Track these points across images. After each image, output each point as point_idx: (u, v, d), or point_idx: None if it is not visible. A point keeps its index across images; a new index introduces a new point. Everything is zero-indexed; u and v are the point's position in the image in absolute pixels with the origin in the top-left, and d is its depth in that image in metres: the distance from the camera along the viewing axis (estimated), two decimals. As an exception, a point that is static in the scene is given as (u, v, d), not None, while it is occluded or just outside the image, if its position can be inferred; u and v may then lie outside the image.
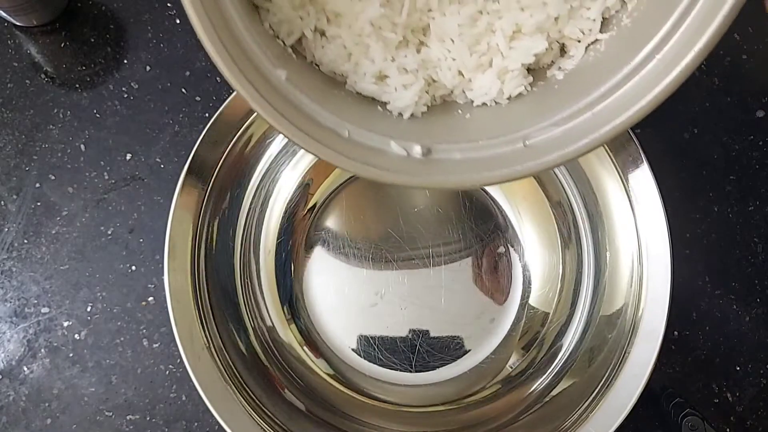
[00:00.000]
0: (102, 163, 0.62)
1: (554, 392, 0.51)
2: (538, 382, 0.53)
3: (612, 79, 0.36)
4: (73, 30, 0.64)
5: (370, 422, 0.53)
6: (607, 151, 0.51)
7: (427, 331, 0.57)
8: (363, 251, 0.59)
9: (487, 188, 0.59)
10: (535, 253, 0.58)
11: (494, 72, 0.39)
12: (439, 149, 0.37)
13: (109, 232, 0.60)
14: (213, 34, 0.32)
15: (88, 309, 0.58)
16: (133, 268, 0.59)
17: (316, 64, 0.40)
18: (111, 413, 0.56)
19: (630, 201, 0.49)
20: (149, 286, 0.59)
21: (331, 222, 0.60)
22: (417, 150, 0.37)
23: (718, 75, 0.65)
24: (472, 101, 0.41)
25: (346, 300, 0.58)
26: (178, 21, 0.65)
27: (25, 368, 0.57)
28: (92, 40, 0.64)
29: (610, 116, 0.35)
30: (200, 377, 0.46)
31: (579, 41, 0.40)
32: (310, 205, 0.60)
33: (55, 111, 0.63)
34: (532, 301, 0.57)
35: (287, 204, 0.59)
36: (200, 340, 0.47)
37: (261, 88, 0.34)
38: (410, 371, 0.56)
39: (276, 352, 0.55)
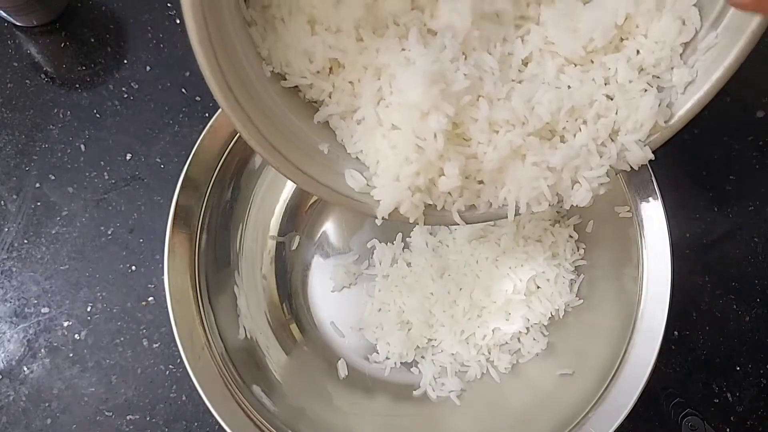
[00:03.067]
0: (102, 163, 0.62)
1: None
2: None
3: None
4: (73, 30, 0.64)
5: (369, 422, 0.53)
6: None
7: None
8: (363, 250, 0.59)
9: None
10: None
11: None
12: None
13: (109, 232, 0.60)
14: (209, 51, 0.32)
15: (88, 309, 0.58)
16: (133, 268, 0.59)
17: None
18: (111, 413, 0.56)
19: (630, 201, 0.49)
20: (149, 286, 0.59)
21: (332, 221, 0.60)
22: None
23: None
24: None
25: (346, 299, 0.59)
26: (178, 21, 0.65)
27: (25, 368, 0.57)
28: (92, 40, 0.64)
29: None
30: (200, 377, 0.45)
31: None
32: (311, 203, 0.60)
33: (55, 111, 0.63)
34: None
35: (287, 203, 0.59)
36: (200, 340, 0.47)
37: (243, 102, 0.35)
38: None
39: (276, 352, 0.55)
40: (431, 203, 0.40)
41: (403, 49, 0.38)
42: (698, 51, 0.38)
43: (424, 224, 0.41)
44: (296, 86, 0.40)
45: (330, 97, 0.40)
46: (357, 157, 0.41)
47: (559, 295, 0.53)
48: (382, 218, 0.40)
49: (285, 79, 0.40)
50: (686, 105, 0.39)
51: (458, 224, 0.41)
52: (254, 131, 0.36)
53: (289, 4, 0.37)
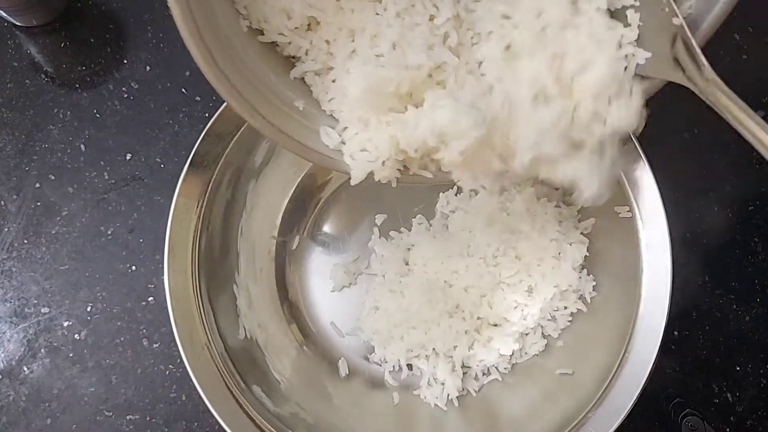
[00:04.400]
0: (102, 163, 0.62)
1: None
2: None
3: None
4: (73, 30, 0.64)
5: (369, 422, 0.53)
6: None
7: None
8: (363, 250, 0.59)
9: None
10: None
11: None
12: None
13: (109, 232, 0.60)
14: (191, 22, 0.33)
15: (88, 309, 0.58)
16: (133, 268, 0.59)
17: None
18: (111, 413, 0.56)
19: (630, 201, 0.49)
20: (149, 286, 0.59)
21: (332, 221, 0.60)
22: None
23: (718, 75, 0.64)
24: None
25: (346, 299, 0.59)
26: (178, 21, 0.65)
27: (25, 368, 0.57)
28: (92, 40, 0.64)
29: None
30: (200, 377, 0.45)
31: None
32: (311, 204, 0.60)
33: (55, 111, 0.63)
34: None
35: (287, 203, 0.59)
36: (200, 340, 0.47)
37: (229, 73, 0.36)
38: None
39: (276, 351, 0.55)
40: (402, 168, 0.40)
41: (377, 14, 0.38)
42: None
43: (397, 184, 0.41)
44: (273, 42, 0.40)
45: (306, 54, 0.40)
46: (331, 114, 0.41)
47: (566, 301, 0.53)
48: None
49: (262, 35, 0.40)
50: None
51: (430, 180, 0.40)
52: (229, 87, 0.36)
53: None
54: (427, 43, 0.37)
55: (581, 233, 0.54)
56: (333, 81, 0.40)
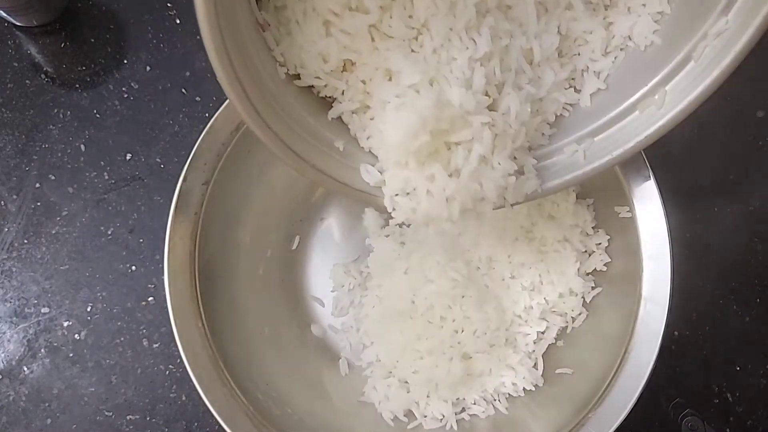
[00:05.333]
0: (102, 163, 0.62)
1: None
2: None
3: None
4: (73, 30, 0.64)
5: (370, 422, 0.53)
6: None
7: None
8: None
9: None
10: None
11: None
12: None
13: (109, 232, 0.60)
14: (222, 49, 0.32)
15: (88, 309, 0.58)
16: (133, 268, 0.59)
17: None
18: (111, 413, 0.56)
19: (630, 201, 0.49)
20: (149, 286, 0.59)
21: (332, 221, 0.60)
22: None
23: (718, 75, 0.65)
24: None
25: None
26: (178, 21, 0.65)
27: (25, 368, 0.57)
28: (92, 40, 0.64)
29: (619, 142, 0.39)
30: (200, 377, 0.45)
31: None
32: (311, 204, 0.60)
33: (55, 111, 0.63)
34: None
35: (288, 204, 0.59)
36: (200, 340, 0.47)
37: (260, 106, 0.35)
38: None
39: (276, 351, 0.55)
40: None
41: (413, 50, 0.38)
42: (708, 37, 0.37)
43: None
44: (310, 85, 0.41)
45: (343, 94, 0.40)
46: (370, 151, 0.41)
47: (572, 311, 0.53)
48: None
49: (299, 79, 0.40)
50: (694, 92, 0.38)
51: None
52: (270, 134, 0.36)
53: (304, 6, 0.37)
54: (465, 77, 0.37)
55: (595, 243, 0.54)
56: (371, 119, 0.40)
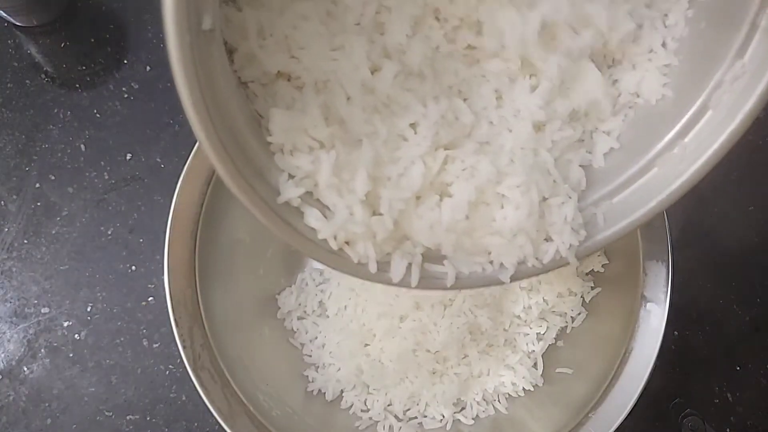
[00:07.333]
0: (102, 163, 0.62)
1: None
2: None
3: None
4: (73, 30, 0.64)
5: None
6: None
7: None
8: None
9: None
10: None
11: None
12: None
13: (109, 232, 0.60)
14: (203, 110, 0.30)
15: (88, 309, 0.58)
16: (133, 268, 0.59)
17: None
18: (111, 413, 0.56)
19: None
20: (149, 286, 0.59)
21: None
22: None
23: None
24: None
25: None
26: (178, 21, 0.65)
27: (25, 368, 0.57)
28: (92, 40, 0.64)
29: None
30: (200, 377, 0.46)
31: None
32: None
33: (55, 111, 0.63)
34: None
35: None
36: (200, 340, 0.47)
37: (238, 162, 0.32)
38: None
39: (275, 351, 0.55)
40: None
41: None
42: (725, 83, 0.35)
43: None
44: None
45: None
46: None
47: (571, 311, 0.53)
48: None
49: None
50: (718, 140, 0.36)
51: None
52: (255, 198, 0.33)
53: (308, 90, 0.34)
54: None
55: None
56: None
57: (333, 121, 0.34)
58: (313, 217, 0.34)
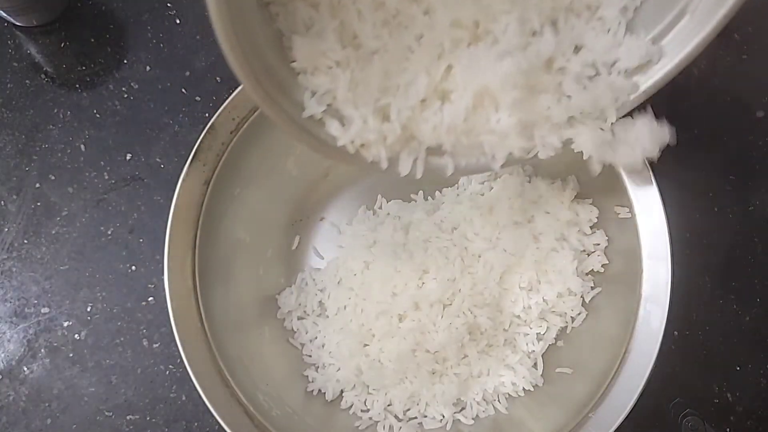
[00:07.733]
0: (102, 163, 0.62)
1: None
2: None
3: None
4: (73, 30, 0.64)
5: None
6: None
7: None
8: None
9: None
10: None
11: None
12: None
13: (109, 232, 0.60)
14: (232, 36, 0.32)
15: (88, 309, 0.58)
16: (133, 268, 0.59)
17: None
18: (111, 413, 0.56)
19: (630, 201, 0.49)
20: (149, 286, 0.59)
21: (332, 221, 0.60)
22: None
23: (718, 75, 0.65)
24: None
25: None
26: (178, 21, 0.65)
27: (25, 368, 0.57)
28: (92, 40, 0.64)
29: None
30: (200, 377, 0.45)
31: None
32: (311, 204, 0.60)
33: (55, 111, 0.63)
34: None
35: (288, 204, 0.59)
36: (200, 341, 0.47)
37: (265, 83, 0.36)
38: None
39: (275, 351, 0.55)
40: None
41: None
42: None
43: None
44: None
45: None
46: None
47: (571, 311, 0.53)
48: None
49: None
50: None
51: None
52: (279, 111, 0.38)
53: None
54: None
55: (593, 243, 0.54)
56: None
57: (347, 42, 0.39)
58: (333, 127, 0.40)
